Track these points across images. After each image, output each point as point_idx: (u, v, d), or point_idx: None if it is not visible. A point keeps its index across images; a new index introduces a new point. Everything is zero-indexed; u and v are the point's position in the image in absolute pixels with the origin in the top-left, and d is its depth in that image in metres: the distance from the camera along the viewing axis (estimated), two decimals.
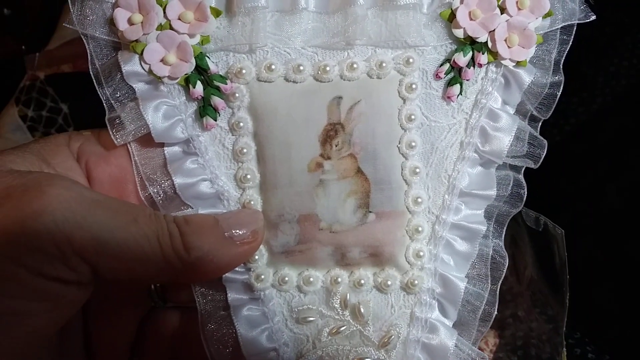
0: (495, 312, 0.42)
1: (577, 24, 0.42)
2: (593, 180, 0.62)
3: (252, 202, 0.41)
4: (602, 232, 0.61)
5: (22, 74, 0.69)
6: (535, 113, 0.43)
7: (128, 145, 0.41)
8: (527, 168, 0.43)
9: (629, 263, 0.59)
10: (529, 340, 0.52)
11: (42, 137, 0.43)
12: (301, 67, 0.40)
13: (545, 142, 0.42)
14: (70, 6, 0.40)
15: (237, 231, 0.38)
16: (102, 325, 0.43)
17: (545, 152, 0.42)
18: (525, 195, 0.42)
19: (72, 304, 0.36)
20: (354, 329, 0.42)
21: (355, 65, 0.40)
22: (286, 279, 0.42)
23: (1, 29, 0.73)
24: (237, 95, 0.40)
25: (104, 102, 0.40)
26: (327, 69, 0.40)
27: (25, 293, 0.34)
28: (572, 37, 0.42)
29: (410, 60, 0.41)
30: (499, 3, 0.40)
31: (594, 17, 0.42)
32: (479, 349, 0.51)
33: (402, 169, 0.41)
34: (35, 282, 0.34)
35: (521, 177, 0.43)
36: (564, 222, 0.60)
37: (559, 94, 0.42)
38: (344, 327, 0.42)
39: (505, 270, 0.42)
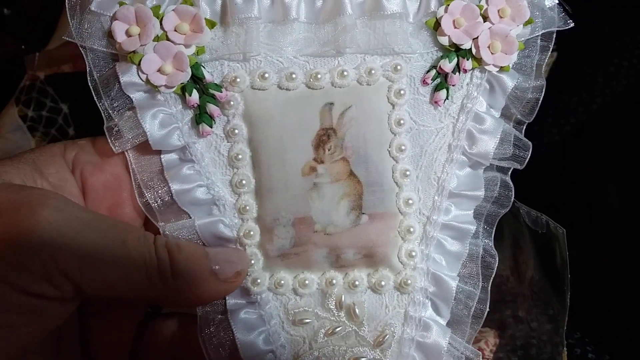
0: (487, 310, 0.43)
1: (574, 23, 0.44)
2: (593, 180, 0.62)
3: (247, 207, 0.42)
4: (602, 232, 0.61)
5: (22, 74, 0.69)
6: (519, 116, 0.44)
7: (125, 153, 0.41)
8: (526, 168, 0.44)
9: (628, 263, 0.59)
10: (529, 340, 0.52)
11: (38, 147, 0.43)
12: (294, 75, 0.41)
13: (530, 144, 0.44)
14: (69, 20, 0.41)
15: (224, 266, 0.39)
16: (100, 328, 0.43)
17: (529, 153, 0.43)
18: (513, 196, 0.44)
19: (55, 317, 0.37)
20: (350, 329, 0.43)
21: (345, 73, 0.42)
22: (282, 282, 0.42)
23: (1, 29, 0.73)
24: (232, 103, 0.42)
25: (102, 112, 0.41)
26: (319, 76, 0.42)
27: (8, 308, 0.34)
28: (552, 43, 0.44)
29: (398, 67, 0.42)
30: (482, 12, 0.42)
31: (572, 25, 0.44)
32: (479, 349, 0.52)
33: (392, 172, 0.42)
34: (19, 299, 0.34)
35: (508, 178, 0.44)
36: (563, 222, 0.59)
37: (541, 97, 0.44)
38: (340, 328, 0.42)
39: (495, 269, 0.43)
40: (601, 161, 0.65)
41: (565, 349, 0.51)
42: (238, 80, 0.41)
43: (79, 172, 0.41)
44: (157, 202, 0.41)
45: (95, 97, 0.41)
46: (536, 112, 0.44)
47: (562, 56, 0.68)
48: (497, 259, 0.44)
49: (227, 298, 0.42)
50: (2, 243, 0.34)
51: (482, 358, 0.50)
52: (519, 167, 0.44)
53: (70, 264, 0.34)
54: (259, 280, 0.42)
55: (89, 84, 0.42)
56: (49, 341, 0.41)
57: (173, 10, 0.41)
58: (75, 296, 0.36)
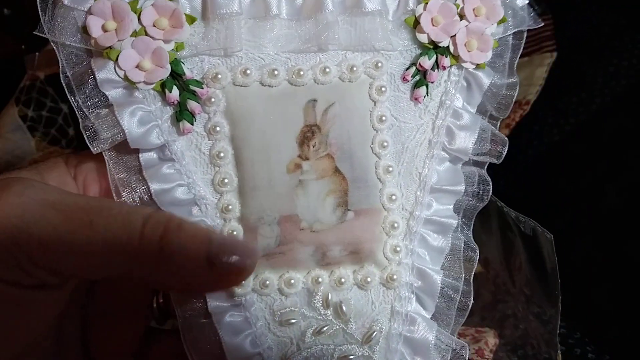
0: (472, 302, 0.43)
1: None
2: (592, 180, 0.63)
3: (230, 207, 0.41)
4: (602, 232, 0.61)
5: (22, 74, 0.69)
6: (494, 113, 0.45)
7: (103, 152, 0.40)
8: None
9: (628, 263, 0.59)
10: (529, 341, 0.53)
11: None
12: (276, 72, 0.41)
13: (506, 139, 0.45)
14: (40, 14, 0.39)
15: (225, 258, 0.34)
16: (103, 336, 0.42)
17: (506, 148, 0.44)
18: (491, 190, 0.45)
19: (45, 307, 0.36)
20: (337, 327, 0.42)
21: (327, 70, 0.42)
22: (267, 282, 0.42)
23: (1, 29, 0.72)
24: (213, 100, 0.41)
25: (76, 110, 0.40)
26: (301, 73, 0.41)
27: None
28: (523, 42, 0.46)
29: (379, 64, 0.43)
30: (458, 10, 0.43)
31: (542, 24, 0.46)
32: (479, 349, 0.53)
33: (376, 168, 0.43)
34: None
35: (484, 172, 0.45)
36: (563, 222, 0.59)
37: (515, 95, 0.45)
38: (327, 327, 0.42)
39: (476, 262, 0.44)
40: (601, 161, 0.64)
41: (559, 352, 0.52)
42: (219, 76, 0.40)
43: (82, 179, 0.41)
44: (135, 202, 0.40)
45: (68, 95, 0.40)
46: (510, 109, 0.45)
47: (562, 56, 0.69)
48: (477, 252, 0.44)
49: (209, 301, 0.41)
50: None
51: (482, 358, 0.51)
52: (496, 161, 0.45)
53: (34, 249, 0.33)
54: (242, 282, 0.41)
55: (62, 81, 0.40)
56: (47, 341, 0.39)
57: (152, 5, 0.39)
58: (59, 282, 0.35)
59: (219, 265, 0.34)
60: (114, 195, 0.40)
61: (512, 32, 0.45)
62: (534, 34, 0.44)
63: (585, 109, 0.67)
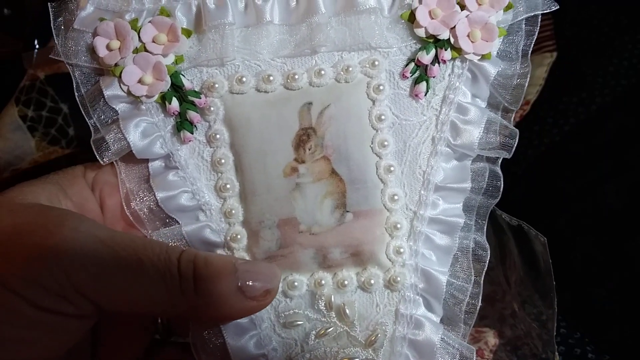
0: (480, 304, 0.42)
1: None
2: (593, 180, 0.62)
3: (233, 211, 0.42)
4: (602, 232, 0.60)
5: (22, 74, 0.69)
6: (505, 104, 0.43)
7: (115, 163, 0.43)
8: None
9: (628, 263, 0.58)
10: (527, 341, 0.51)
11: (62, 170, 0.45)
12: (271, 77, 0.42)
13: (517, 131, 0.42)
14: (54, 39, 0.43)
15: (252, 283, 0.38)
16: (111, 346, 0.44)
17: (516, 141, 0.42)
18: (502, 186, 0.43)
19: (74, 333, 0.38)
20: (341, 330, 0.42)
21: (322, 72, 0.42)
22: None
23: (1, 29, 0.73)
24: (212, 108, 0.42)
25: (90, 125, 0.43)
26: (296, 77, 0.42)
27: (25, 322, 0.36)
28: (538, 27, 0.43)
29: (376, 62, 0.42)
30: (458, 0, 0.42)
31: (556, 7, 0.43)
32: (479, 349, 0.51)
33: (377, 168, 0.42)
34: (35, 314, 0.35)
35: (497, 168, 0.43)
36: (563, 222, 0.59)
37: (526, 83, 0.42)
38: (331, 329, 0.42)
39: (487, 262, 0.42)
40: (601, 161, 0.63)
41: (557, 354, 0.49)
42: (216, 85, 0.42)
43: (98, 192, 0.43)
44: (144, 211, 0.42)
45: (82, 112, 0.43)
46: (522, 98, 0.43)
47: (562, 56, 0.68)
48: (488, 252, 0.42)
49: None
50: (20, 261, 0.35)
51: (482, 358, 0.49)
52: (507, 155, 0.42)
53: (85, 282, 0.35)
54: None
55: (77, 98, 0.43)
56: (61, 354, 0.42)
57: (150, 22, 0.42)
58: (95, 313, 0.37)
59: (248, 292, 0.37)
60: (124, 205, 0.42)
61: (524, 17, 0.43)
62: None
63: (585, 109, 0.64)
